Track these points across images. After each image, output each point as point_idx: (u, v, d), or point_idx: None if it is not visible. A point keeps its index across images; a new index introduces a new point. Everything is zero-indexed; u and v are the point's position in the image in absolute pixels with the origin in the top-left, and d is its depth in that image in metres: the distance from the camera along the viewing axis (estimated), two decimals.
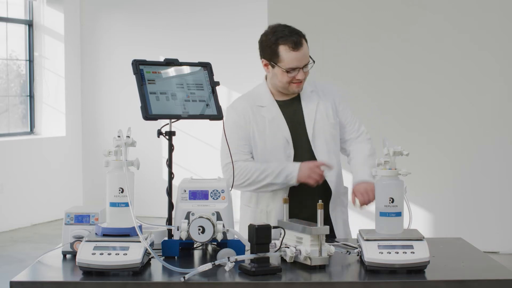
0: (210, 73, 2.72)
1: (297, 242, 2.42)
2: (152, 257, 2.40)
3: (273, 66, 3.01)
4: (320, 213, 2.38)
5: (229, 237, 2.48)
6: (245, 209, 3.17)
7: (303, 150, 3.06)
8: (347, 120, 3.16)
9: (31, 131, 8.83)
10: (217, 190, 2.54)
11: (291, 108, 3.10)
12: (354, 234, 3.03)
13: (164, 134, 2.58)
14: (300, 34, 2.99)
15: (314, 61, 3.03)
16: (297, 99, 3.12)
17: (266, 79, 3.14)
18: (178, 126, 2.71)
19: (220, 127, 2.82)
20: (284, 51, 2.96)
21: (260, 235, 2.28)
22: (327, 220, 3.01)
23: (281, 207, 2.90)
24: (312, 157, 3.04)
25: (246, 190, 3.09)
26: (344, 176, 3.23)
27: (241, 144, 3.05)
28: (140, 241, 2.30)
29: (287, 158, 3.04)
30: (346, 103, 3.20)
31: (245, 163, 3.02)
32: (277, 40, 2.97)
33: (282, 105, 3.10)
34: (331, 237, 2.93)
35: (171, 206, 2.57)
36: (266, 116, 3.07)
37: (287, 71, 2.97)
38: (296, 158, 3.04)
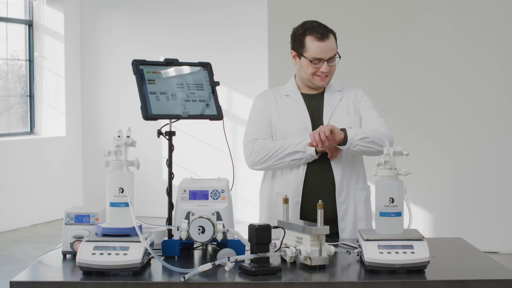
0: (210, 73, 2.72)
1: (297, 242, 2.42)
2: (152, 257, 2.40)
3: (299, 57, 3.10)
4: (320, 213, 2.38)
5: (229, 237, 2.48)
6: (263, 198, 3.19)
7: None
8: (365, 112, 3.15)
9: (31, 131, 8.83)
10: (217, 190, 2.54)
11: (314, 101, 3.15)
12: (354, 235, 3.03)
13: (164, 134, 2.58)
14: (328, 29, 3.09)
15: (340, 56, 3.10)
16: (322, 94, 3.17)
17: (295, 77, 3.21)
18: (178, 126, 2.71)
19: (221, 127, 2.82)
20: (310, 41, 3.06)
21: (260, 235, 2.28)
22: (334, 213, 3.01)
23: (294, 188, 3.01)
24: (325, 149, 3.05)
25: (263, 166, 3.08)
26: (368, 175, 3.18)
27: (262, 125, 3.11)
28: (140, 241, 2.30)
29: None
30: (367, 98, 3.22)
31: (264, 141, 3.07)
32: (305, 31, 3.08)
33: (306, 97, 3.16)
34: (334, 233, 2.96)
35: (171, 206, 2.57)
36: (289, 103, 3.14)
37: (312, 61, 3.04)
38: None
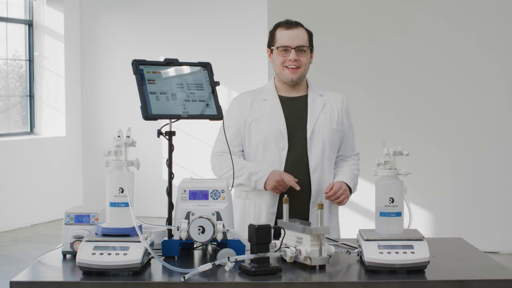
0: (210, 73, 2.72)
1: (297, 242, 2.42)
2: (152, 257, 2.40)
3: (272, 51, 3.14)
4: (320, 213, 2.38)
5: (229, 237, 2.48)
6: (236, 200, 3.19)
7: (298, 146, 3.09)
8: (347, 137, 3.20)
9: (31, 131, 8.84)
10: (217, 190, 2.54)
11: (297, 104, 3.15)
12: (354, 235, 3.03)
13: (164, 134, 2.58)
14: (298, 23, 3.14)
15: (312, 47, 3.12)
16: (305, 97, 3.16)
17: (274, 79, 3.22)
18: (178, 126, 2.71)
19: (220, 127, 2.82)
20: (278, 32, 3.13)
21: (260, 235, 2.28)
22: (305, 219, 3.00)
23: (271, 199, 3.05)
24: (305, 155, 3.07)
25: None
26: None
27: (231, 137, 3.11)
28: (140, 241, 2.30)
29: (281, 150, 3.08)
30: (352, 120, 3.25)
31: (226, 159, 3.08)
32: (275, 26, 3.16)
33: (286, 100, 3.15)
34: None
35: (171, 206, 2.57)
36: (266, 109, 3.13)
37: (280, 50, 3.08)
38: (290, 153, 3.08)
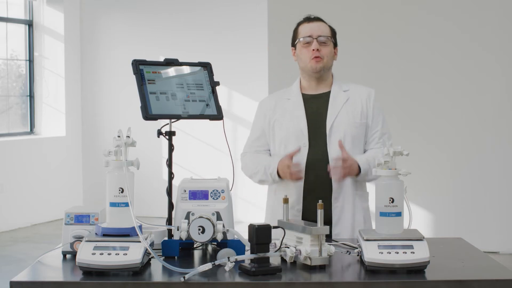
0: (210, 73, 2.72)
1: (297, 242, 2.42)
2: (152, 257, 2.40)
3: (296, 48, 3.17)
4: (320, 213, 2.38)
5: (229, 237, 2.48)
6: (268, 199, 3.25)
7: (318, 143, 3.07)
8: (372, 131, 3.14)
9: (31, 131, 8.84)
10: (217, 190, 2.54)
11: (319, 101, 3.14)
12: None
13: (164, 134, 2.58)
14: (319, 17, 3.21)
15: (335, 43, 3.16)
16: (328, 94, 3.15)
17: (300, 79, 3.23)
18: (178, 126, 2.71)
19: (221, 127, 2.82)
20: (301, 27, 3.19)
21: (260, 235, 2.28)
22: (328, 216, 2.99)
23: (296, 198, 3.03)
24: (326, 152, 3.05)
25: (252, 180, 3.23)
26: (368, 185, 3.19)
27: (254, 138, 3.21)
28: (140, 241, 2.30)
29: (303, 148, 3.07)
30: (381, 112, 3.18)
31: (251, 156, 3.17)
32: (298, 24, 3.22)
33: (310, 98, 3.16)
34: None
35: (171, 206, 2.57)
36: (288, 108, 3.16)
37: (303, 43, 3.11)
38: (311, 150, 3.06)
